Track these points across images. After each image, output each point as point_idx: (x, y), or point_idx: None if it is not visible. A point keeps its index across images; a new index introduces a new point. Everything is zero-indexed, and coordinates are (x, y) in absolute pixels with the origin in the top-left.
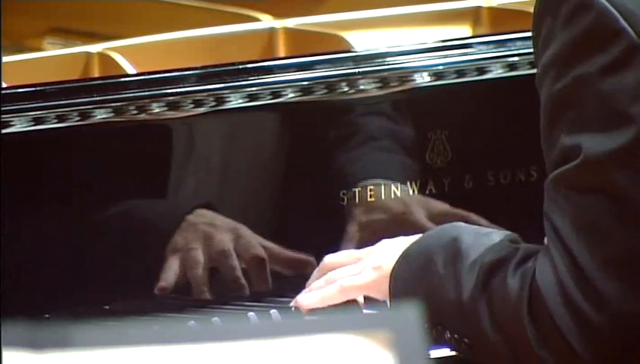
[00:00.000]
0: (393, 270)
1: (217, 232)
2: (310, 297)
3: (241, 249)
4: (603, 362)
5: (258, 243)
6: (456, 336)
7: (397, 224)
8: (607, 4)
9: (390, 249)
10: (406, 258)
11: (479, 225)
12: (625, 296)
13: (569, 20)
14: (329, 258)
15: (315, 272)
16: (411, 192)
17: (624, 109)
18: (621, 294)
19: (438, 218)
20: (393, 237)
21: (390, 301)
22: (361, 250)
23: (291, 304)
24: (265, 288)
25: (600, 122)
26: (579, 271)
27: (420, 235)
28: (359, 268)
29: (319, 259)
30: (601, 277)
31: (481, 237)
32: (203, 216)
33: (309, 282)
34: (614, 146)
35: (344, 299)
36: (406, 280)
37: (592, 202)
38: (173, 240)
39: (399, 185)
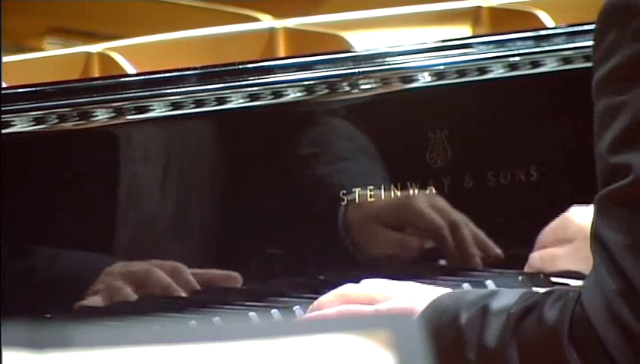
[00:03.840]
0: None
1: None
2: None
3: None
4: None
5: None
6: None
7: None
8: None
9: (404, 300)
10: (425, 317)
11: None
12: None
13: (638, 36)
14: (347, 289)
15: (330, 296)
16: (411, 192)
17: None
18: None
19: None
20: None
21: None
22: (377, 290)
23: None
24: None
25: None
26: (632, 291)
27: (434, 293)
28: (370, 311)
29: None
30: None
31: (509, 292)
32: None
33: (321, 302)
34: None
35: None
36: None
37: None
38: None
39: (399, 185)
